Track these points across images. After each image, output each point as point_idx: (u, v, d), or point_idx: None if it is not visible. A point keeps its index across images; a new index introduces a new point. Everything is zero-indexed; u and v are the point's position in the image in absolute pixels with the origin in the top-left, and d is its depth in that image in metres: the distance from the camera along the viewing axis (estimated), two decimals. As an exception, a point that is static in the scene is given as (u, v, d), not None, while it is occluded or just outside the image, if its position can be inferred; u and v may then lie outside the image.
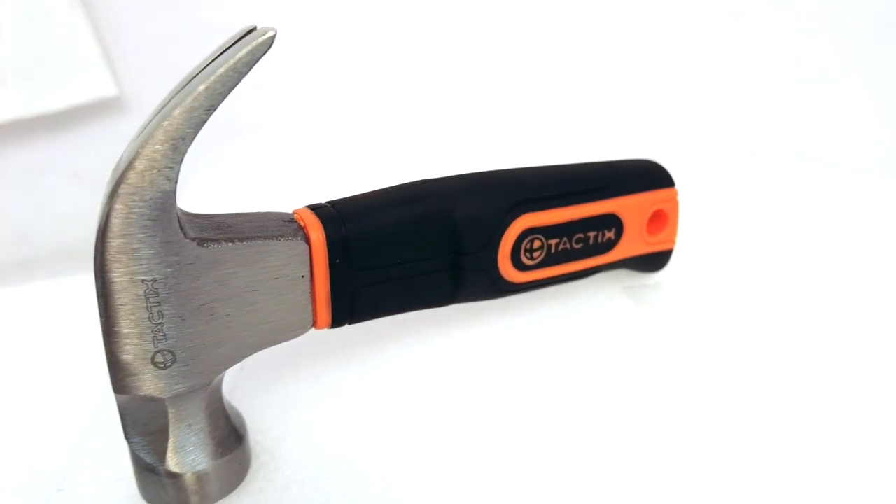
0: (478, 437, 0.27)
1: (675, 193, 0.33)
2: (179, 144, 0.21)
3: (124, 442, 0.30)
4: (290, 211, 0.27)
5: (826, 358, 0.31)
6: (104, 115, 0.75)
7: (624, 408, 0.28)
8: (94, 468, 0.30)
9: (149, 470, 0.25)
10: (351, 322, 0.27)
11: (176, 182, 0.22)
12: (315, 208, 0.26)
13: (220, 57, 0.22)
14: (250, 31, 0.23)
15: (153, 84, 0.73)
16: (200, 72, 0.22)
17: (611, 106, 0.83)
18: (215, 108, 0.22)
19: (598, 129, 0.70)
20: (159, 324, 0.23)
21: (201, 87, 0.21)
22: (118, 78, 0.73)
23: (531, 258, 0.30)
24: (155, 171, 0.21)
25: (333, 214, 0.26)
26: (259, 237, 0.24)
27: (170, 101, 0.22)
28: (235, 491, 0.27)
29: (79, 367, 0.70)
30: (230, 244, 0.23)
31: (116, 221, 0.21)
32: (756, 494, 0.24)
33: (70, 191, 0.79)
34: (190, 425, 0.25)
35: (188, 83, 0.22)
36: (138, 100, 0.75)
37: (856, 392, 0.29)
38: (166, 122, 0.21)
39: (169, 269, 0.22)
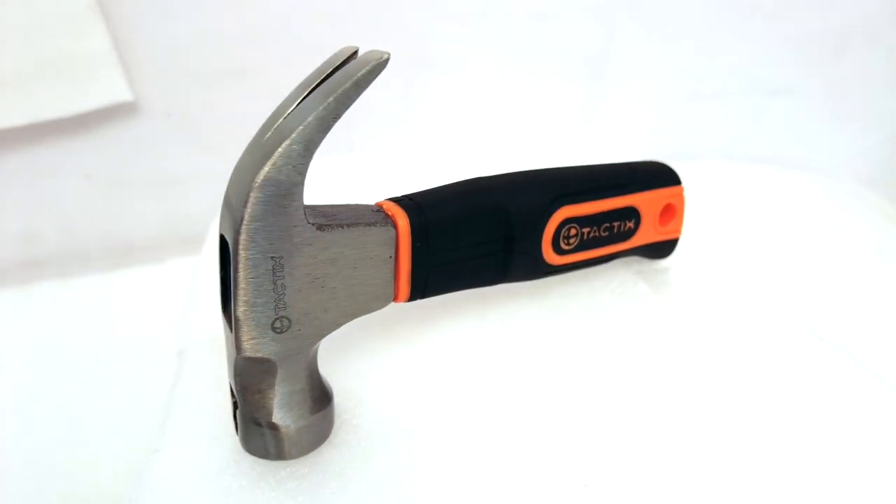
0: (517, 401, 0.33)
1: (682, 190, 0.39)
2: (311, 146, 0.26)
3: (214, 406, 0.34)
4: (371, 203, 0.32)
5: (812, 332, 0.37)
6: (117, 119, 0.78)
7: (642, 378, 0.34)
8: (186, 431, 0.33)
9: (256, 424, 0.29)
10: (422, 297, 0.32)
11: (304, 176, 0.26)
12: (396, 200, 0.31)
13: (339, 74, 0.26)
14: (354, 53, 0.28)
15: (166, 90, 0.77)
16: (314, 88, 0.27)
17: (599, 116, 0.90)
18: (340, 117, 0.26)
19: (585, 138, 0.76)
20: (281, 294, 0.27)
21: (331, 99, 0.25)
22: (132, 83, 0.76)
23: (568, 244, 0.35)
24: (290, 166, 0.26)
25: (413, 205, 0.31)
26: (360, 223, 0.29)
27: (289, 112, 0.27)
28: (324, 444, 0.31)
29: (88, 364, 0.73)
30: (340, 229, 0.28)
31: (257, 207, 0.26)
32: (755, 470, 0.30)
33: (81, 192, 0.81)
34: (294, 384, 0.29)
35: (306, 97, 0.27)
36: (151, 104, 0.78)
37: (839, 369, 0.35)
38: (301, 127, 0.25)
39: (293, 248, 0.27)
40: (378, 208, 0.31)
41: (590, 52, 0.87)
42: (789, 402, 0.31)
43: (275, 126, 0.27)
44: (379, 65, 0.26)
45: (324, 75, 0.27)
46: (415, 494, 0.29)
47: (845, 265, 0.71)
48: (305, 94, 0.27)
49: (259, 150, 0.27)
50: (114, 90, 0.75)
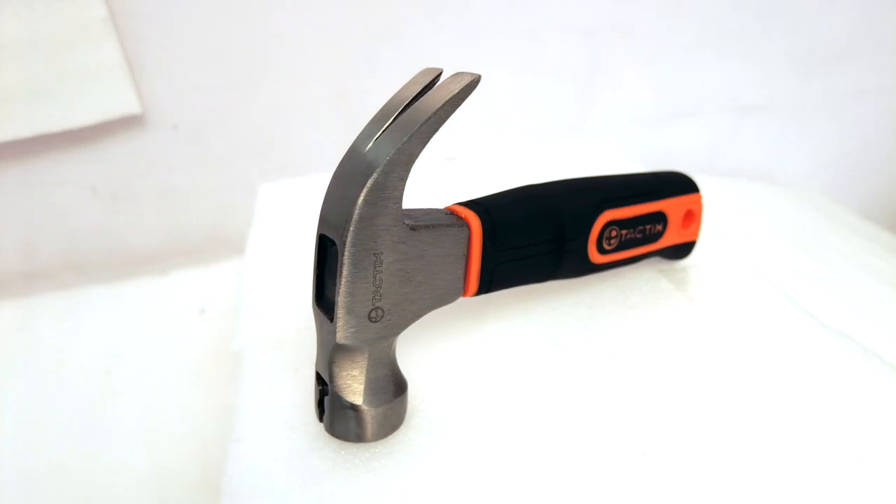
0: (567, 385, 0.36)
1: (700, 197, 0.43)
2: (412, 156, 0.29)
3: (282, 399, 0.36)
4: (441, 207, 0.35)
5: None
6: (124, 132, 0.79)
7: (677, 362, 0.37)
8: (261, 422, 0.36)
9: (345, 407, 0.32)
10: (486, 292, 0.35)
11: (406, 182, 0.29)
12: (464, 204, 0.35)
13: (435, 92, 0.30)
14: (439, 74, 0.31)
15: (173, 103, 0.78)
16: (409, 104, 0.30)
17: (586, 131, 0.95)
18: (436, 132, 0.29)
19: (573, 152, 0.81)
20: (378, 287, 0.30)
21: (431, 115, 0.28)
22: (141, 96, 0.77)
23: (609, 244, 0.39)
24: (395, 174, 0.29)
25: (481, 209, 0.34)
26: (441, 224, 0.32)
27: (387, 125, 0.30)
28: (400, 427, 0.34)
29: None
30: (427, 229, 0.31)
31: (365, 208, 0.28)
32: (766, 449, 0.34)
33: (86, 204, 0.82)
34: (379, 370, 0.32)
35: (402, 112, 0.30)
36: (158, 117, 0.79)
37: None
38: (405, 139, 0.28)
39: (390, 246, 0.30)
40: (449, 212, 0.34)
41: (578, 72, 0.92)
42: (804, 382, 0.36)
43: (375, 138, 0.30)
44: (472, 84, 0.29)
45: (415, 93, 0.31)
46: (489, 468, 0.32)
47: (812, 268, 0.78)
48: (401, 109, 0.30)
49: (364, 158, 0.29)
50: (123, 103, 0.76)
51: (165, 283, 0.84)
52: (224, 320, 0.79)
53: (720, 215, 0.68)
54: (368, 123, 0.31)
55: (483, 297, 0.37)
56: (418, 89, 0.31)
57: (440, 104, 0.29)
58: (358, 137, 0.31)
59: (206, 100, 0.80)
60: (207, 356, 0.75)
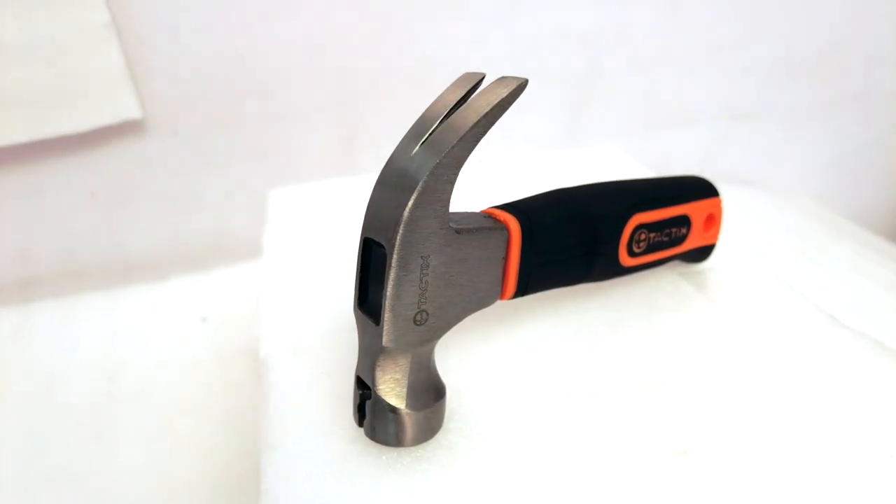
0: (601, 385, 0.37)
1: (720, 201, 0.44)
2: (461, 160, 0.29)
3: (315, 404, 0.36)
4: (478, 211, 0.35)
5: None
6: (124, 137, 0.78)
7: (704, 361, 0.38)
8: (297, 428, 0.35)
9: (388, 411, 0.32)
10: (522, 295, 0.36)
11: (454, 185, 0.30)
12: (501, 208, 0.35)
13: (482, 96, 0.30)
14: (482, 79, 0.31)
15: (174, 108, 0.78)
16: (454, 108, 0.30)
17: (583, 138, 0.96)
18: (484, 136, 0.29)
19: (570, 158, 0.81)
20: (424, 290, 0.30)
21: (479, 119, 0.29)
22: (142, 101, 0.76)
23: (638, 247, 0.39)
24: (444, 177, 0.29)
25: (519, 212, 0.34)
26: (484, 227, 0.32)
27: (433, 129, 0.30)
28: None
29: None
30: (470, 233, 0.31)
31: (415, 211, 0.29)
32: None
33: (84, 210, 0.80)
34: (421, 373, 0.32)
35: (448, 116, 0.30)
36: (159, 123, 0.79)
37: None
38: (455, 143, 0.29)
39: (437, 249, 0.30)
40: (487, 215, 0.34)
41: (576, 78, 0.93)
42: (832, 382, 0.36)
43: (422, 142, 0.30)
44: (519, 87, 0.29)
45: (459, 97, 0.31)
46: (531, 469, 0.32)
47: (809, 270, 0.79)
48: (446, 112, 0.30)
49: (412, 162, 0.29)
50: (123, 108, 0.75)
51: (165, 290, 0.83)
52: (227, 328, 0.78)
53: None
54: (412, 128, 0.31)
55: (511, 301, 0.37)
56: (461, 93, 0.31)
57: (489, 107, 0.29)
58: (402, 142, 0.31)
59: (208, 106, 0.79)
60: (211, 364, 0.74)
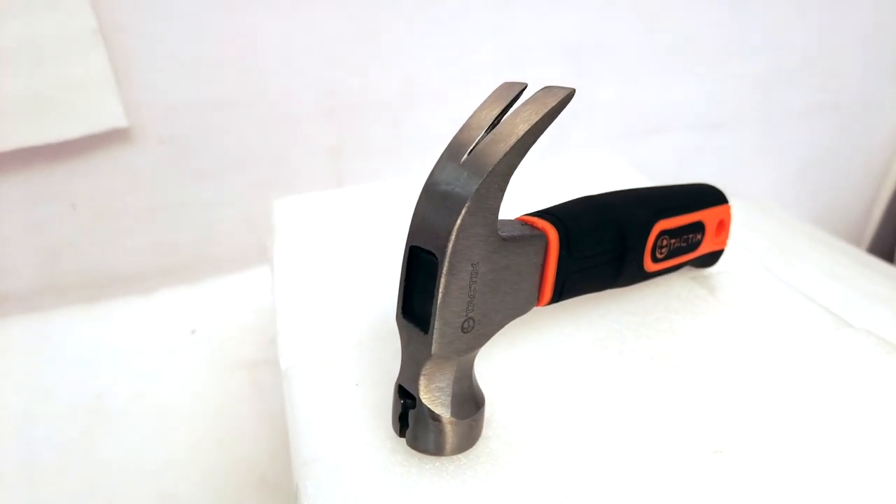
0: (628, 388, 0.37)
1: (729, 207, 0.46)
2: (511, 168, 0.29)
3: (347, 417, 0.36)
4: (513, 218, 0.36)
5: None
6: (108, 146, 0.76)
7: (724, 362, 0.39)
8: (333, 441, 0.35)
9: (432, 420, 0.32)
10: (557, 301, 0.36)
11: (504, 194, 0.30)
12: (537, 215, 0.35)
13: (530, 105, 0.30)
14: (524, 88, 0.32)
15: (161, 117, 0.76)
16: (500, 116, 0.31)
17: (564, 147, 0.98)
18: (533, 144, 0.30)
19: (552, 167, 0.83)
20: (472, 297, 0.30)
21: (530, 127, 0.29)
22: (128, 109, 0.75)
23: (661, 253, 0.40)
24: (495, 185, 0.29)
25: (555, 219, 0.35)
26: (526, 235, 0.33)
27: (480, 138, 0.30)
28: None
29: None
30: (515, 241, 0.32)
31: (468, 218, 0.29)
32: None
33: (64, 222, 0.78)
34: (464, 381, 0.32)
35: (494, 124, 0.30)
36: (145, 131, 0.77)
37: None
38: (506, 151, 0.29)
39: (485, 256, 0.30)
40: (523, 222, 0.35)
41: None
42: (853, 380, 0.38)
43: (469, 150, 0.30)
44: (567, 97, 0.30)
45: (503, 107, 0.31)
46: (571, 472, 0.32)
47: (786, 275, 0.82)
48: (491, 122, 0.31)
49: (462, 170, 0.30)
50: (109, 116, 0.73)
51: (152, 303, 0.80)
52: (218, 340, 0.77)
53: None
54: (455, 137, 0.31)
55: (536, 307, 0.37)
56: (504, 103, 0.32)
57: (539, 117, 0.29)
58: (446, 151, 0.31)
59: (195, 114, 0.78)
60: (204, 377, 0.72)
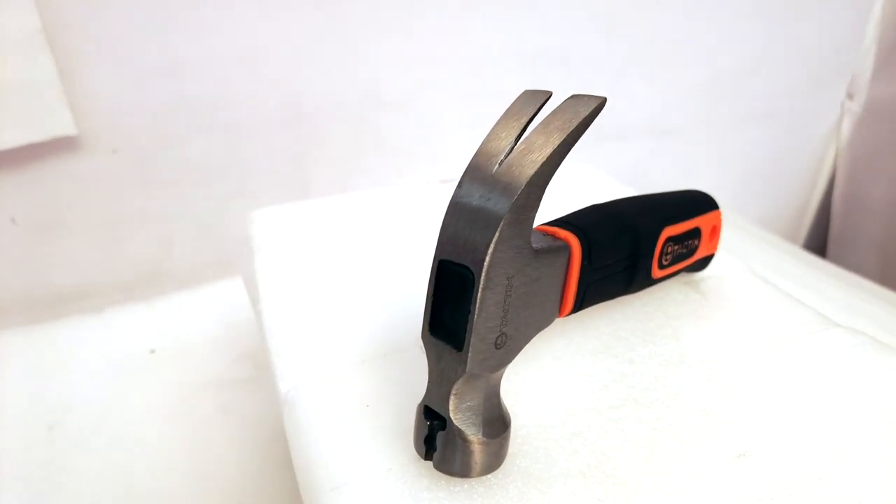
0: (642, 393, 0.37)
1: (720, 213, 0.47)
2: (547, 179, 0.29)
3: (361, 441, 0.34)
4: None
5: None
6: (56, 155, 0.71)
7: (725, 361, 0.40)
8: (352, 466, 0.33)
9: (462, 440, 0.30)
10: (576, 311, 0.36)
11: (539, 205, 0.29)
12: (556, 224, 0.35)
13: (561, 114, 0.29)
14: (549, 97, 0.31)
15: (112, 124, 0.71)
16: (526, 125, 0.30)
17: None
18: (567, 154, 0.29)
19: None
20: (506, 312, 0.29)
21: (566, 136, 0.28)
22: (77, 116, 0.70)
23: (666, 259, 0.41)
24: (532, 197, 0.28)
25: (575, 228, 0.34)
26: (553, 246, 0.32)
27: (510, 148, 0.29)
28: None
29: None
30: (545, 253, 0.31)
31: (505, 231, 0.28)
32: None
33: (2, 238, 0.71)
34: (493, 399, 0.31)
35: (521, 134, 0.30)
36: (96, 140, 0.72)
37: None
38: (541, 162, 0.28)
39: (519, 269, 0.29)
40: (544, 233, 0.34)
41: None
42: (850, 380, 0.39)
43: (500, 161, 0.29)
44: (599, 105, 0.30)
45: (530, 115, 0.30)
46: (606, 481, 0.32)
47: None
48: (519, 131, 0.30)
49: (496, 182, 0.29)
50: (56, 123, 0.68)
51: (104, 323, 0.75)
52: (179, 359, 0.72)
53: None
54: (482, 147, 0.30)
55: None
56: (531, 112, 0.31)
57: (573, 126, 0.29)
58: (474, 162, 0.30)
59: (150, 121, 0.74)
60: (168, 400, 0.68)
